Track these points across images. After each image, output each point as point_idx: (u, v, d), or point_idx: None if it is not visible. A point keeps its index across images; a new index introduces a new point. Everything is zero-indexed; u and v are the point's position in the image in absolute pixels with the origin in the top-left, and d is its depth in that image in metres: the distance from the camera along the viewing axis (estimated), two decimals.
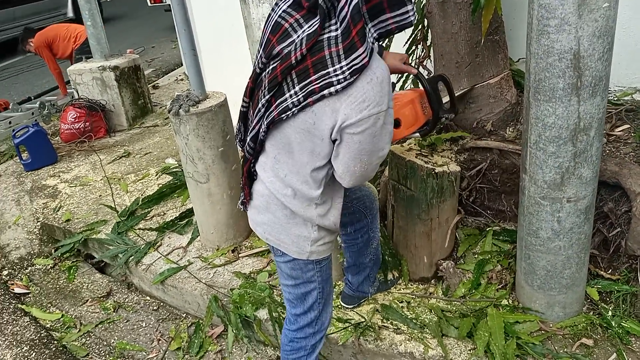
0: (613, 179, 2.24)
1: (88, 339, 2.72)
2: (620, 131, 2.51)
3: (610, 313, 2.13)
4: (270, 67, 1.39)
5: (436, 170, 2.20)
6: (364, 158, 1.41)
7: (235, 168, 2.84)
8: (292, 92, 1.35)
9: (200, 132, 2.61)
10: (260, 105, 1.44)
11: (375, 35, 1.31)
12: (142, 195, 3.65)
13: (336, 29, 1.28)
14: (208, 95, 2.72)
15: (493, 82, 2.45)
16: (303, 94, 1.33)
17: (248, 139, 1.55)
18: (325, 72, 1.30)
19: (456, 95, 2.39)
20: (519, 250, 2.16)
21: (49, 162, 4.40)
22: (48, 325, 2.84)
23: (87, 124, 4.73)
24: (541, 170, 1.86)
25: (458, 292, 2.35)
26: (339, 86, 1.29)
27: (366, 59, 1.28)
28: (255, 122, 1.49)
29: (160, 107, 5.48)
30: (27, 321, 2.86)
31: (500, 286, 2.35)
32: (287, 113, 1.37)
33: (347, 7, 1.25)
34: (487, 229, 2.60)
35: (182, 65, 6.79)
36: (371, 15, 1.28)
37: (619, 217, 2.26)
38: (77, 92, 4.99)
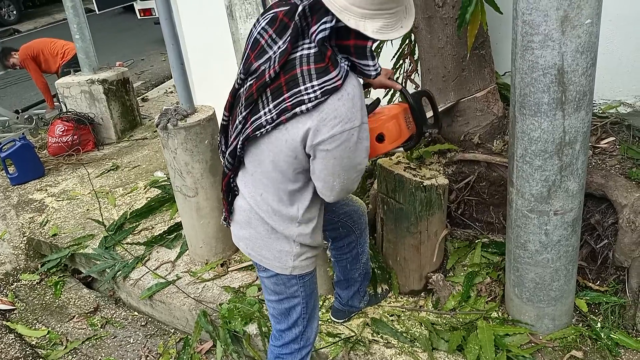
0: (599, 191, 2.27)
1: (74, 356, 2.68)
2: (605, 144, 2.54)
3: (599, 325, 2.14)
4: (247, 84, 1.42)
5: (424, 184, 2.21)
6: (341, 173, 1.42)
7: None
8: (267, 109, 1.37)
9: (189, 145, 2.60)
10: (237, 121, 1.46)
11: (348, 63, 1.34)
12: (130, 209, 3.63)
13: (309, 48, 1.31)
14: (196, 109, 2.72)
15: (480, 96, 2.47)
16: (277, 111, 1.35)
17: (227, 153, 1.56)
18: (297, 89, 1.32)
19: (443, 108, 2.42)
20: (508, 263, 2.17)
21: (36, 175, 4.36)
22: (34, 342, 2.79)
23: (75, 137, 4.70)
24: (528, 183, 1.88)
25: (448, 304, 2.35)
26: (309, 104, 1.31)
27: (339, 82, 1.30)
28: (233, 137, 1.51)
29: (150, 120, 5.46)
30: (12, 338, 2.81)
31: (489, 298, 2.35)
32: (261, 130, 1.39)
33: (314, 34, 1.29)
34: (476, 241, 2.61)
35: (171, 77, 6.78)
36: (340, 49, 1.32)
37: (606, 228, 2.27)
38: (65, 105, 4.96)
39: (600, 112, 2.76)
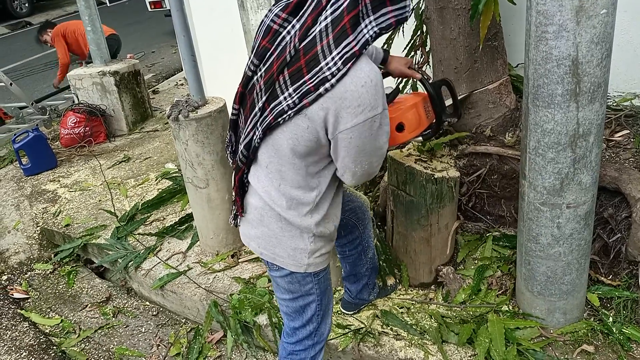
0: (613, 184, 2.24)
1: (87, 344, 2.71)
2: (619, 137, 2.51)
3: (611, 319, 2.12)
4: (264, 68, 1.38)
5: (435, 176, 2.20)
6: (363, 159, 1.40)
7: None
8: (286, 94, 1.33)
9: (200, 137, 2.61)
10: (256, 109, 1.41)
11: (376, 29, 1.28)
12: (141, 200, 3.65)
13: (325, 18, 1.27)
14: (207, 100, 2.73)
15: (492, 88, 2.45)
16: (298, 95, 1.31)
17: (241, 147, 1.51)
18: (318, 68, 1.28)
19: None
20: (519, 256, 2.16)
21: (49, 167, 4.40)
22: (47, 331, 2.84)
23: (87, 128, 4.74)
24: (540, 176, 1.86)
25: (458, 297, 2.35)
26: (333, 80, 1.26)
27: (356, 48, 1.26)
28: (249, 128, 1.46)
29: (160, 112, 5.48)
30: (26, 326, 2.86)
31: (500, 292, 2.35)
32: (284, 116, 1.34)
33: None
34: (487, 235, 2.60)
35: (182, 70, 6.80)
36: (373, 7, 1.25)
37: (619, 222, 2.25)
38: (77, 97, 4.99)
39: (615, 104, 2.72)
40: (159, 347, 2.64)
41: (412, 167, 2.22)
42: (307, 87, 1.29)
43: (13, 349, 2.70)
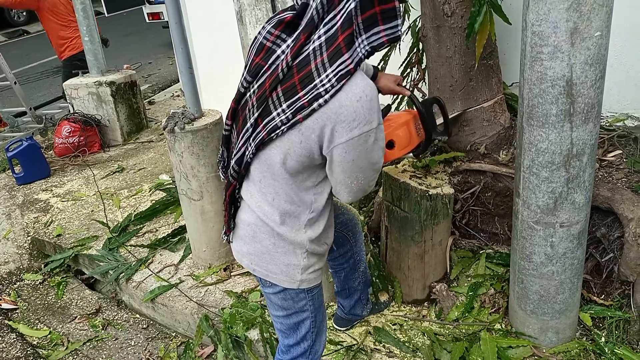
0: (606, 204, 2.25)
1: (75, 357, 2.67)
2: (612, 157, 2.53)
3: (603, 339, 2.12)
4: (257, 85, 1.39)
5: (430, 192, 2.20)
6: (359, 175, 1.40)
7: None
8: (280, 109, 1.33)
9: (195, 149, 2.61)
10: (248, 125, 1.42)
11: (368, 48, 1.30)
12: (134, 211, 3.63)
13: (319, 37, 1.28)
14: (204, 113, 2.73)
15: (487, 106, 2.47)
16: (291, 110, 1.31)
17: (232, 162, 1.51)
18: (312, 85, 1.29)
19: (450, 117, 2.41)
20: (512, 274, 2.15)
21: (42, 176, 4.38)
22: (35, 342, 2.79)
23: (82, 138, 4.72)
24: (534, 194, 1.87)
25: (451, 315, 2.34)
26: (327, 95, 1.27)
27: (351, 66, 1.27)
28: (241, 143, 1.46)
29: (156, 123, 5.48)
30: (13, 338, 2.81)
31: (493, 310, 2.34)
32: (277, 132, 1.34)
33: (339, 14, 1.25)
34: (481, 252, 2.60)
35: (178, 81, 6.82)
36: (366, 26, 1.27)
37: (611, 242, 2.26)
38: (72, 106, 4.98)
39: (608, 125, 2.75)
40: None
41: (406, 183, 2.23)
42: (301, 103, 1.30)
43: None
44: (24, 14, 13.54)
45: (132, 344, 2.74)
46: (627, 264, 2.16)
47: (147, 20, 9.51)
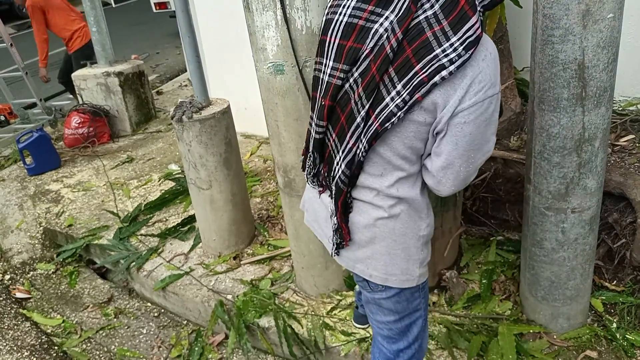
0: (618, 189, 2.23)
1: (88, 344, 2.71)
2: (625, 141, 2.50)
3: (614, 325, 2.11)
4: (359, 72, 1.17)
5: None
6: (471, 154, 1.18)
7: (237, 174, 2.83)
8: (394, 93, 1.12)
9: (203, 138, 2.61)
10: (358, 120, 1.20)
11: (480, 8, 1.11)
12: (144, 201, 3.65)
13: (431, 6, 1.08)
14: (211, 101, 2.73)
15: None
16: (408, 90, 1.10)
17: (342, 167, 1.28)
18: (432, 55, 1.08)
19: None
20: (523, 261, 2.14)
21: (53, 167, 4.41)
22: (49, 331, 2.83)
23: (91, 129, 4.74)
24: (545, 180, 1.85)
25: (461, 302, 2.33)
26: (452, 67, 1.06)
27: (479, 30, 1.07)
28: (351, 143, 1.24)
29: (164, 113, 5.49)
30: (28, 326, 2.86)
31: (504, 297, 2.33)
32: (392, 120, 1.14)
33: None
34: (491, 239, 2.58)
35: (186, 71, 6.81)
36: None
37: (623, 228, 2.24)
38: (81, 97, 5.01)
39: (620, 109, 2.71)
40: (160, 349, 2.63)
41: None
42: (420, 79, 1.09)
43: (15, 348, 2.69)
44: None
45: (144, 332, 2.77)
46: (639, 250, 2.14)
47: (154, 10, 9.51)
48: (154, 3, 9.37)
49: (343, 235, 1.38)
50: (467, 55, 1.06)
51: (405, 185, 1.29)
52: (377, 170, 1.28)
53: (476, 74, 1.09)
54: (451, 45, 1.07)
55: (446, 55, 1.07)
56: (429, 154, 1.25)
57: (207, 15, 4.09)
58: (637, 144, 2.46)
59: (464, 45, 1.06)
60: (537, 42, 1.69)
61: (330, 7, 1.27)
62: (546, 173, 1.84)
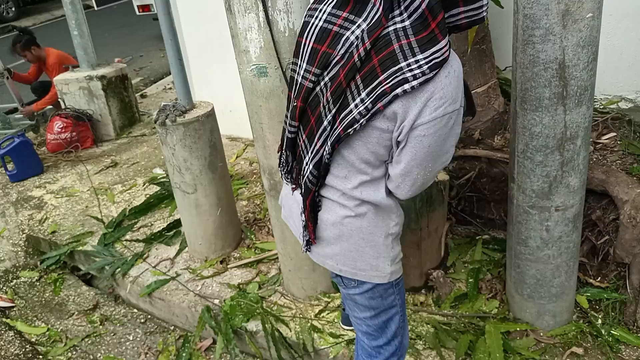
0: (600, 187, 2.26)
1: (74, 353, 2.67)
2: (606, 139, 2.53)
3: (600, 321, 2.13)
4: (329, 77, 1.22)
5: None
6: (429, 164, 1.24)
7: (222, 178, 2.81)
8: (358, 100, 1.17)
9: (187, 142, 2.59)
10: (325, 123, 1.25)
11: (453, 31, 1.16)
12: (129, 206, 3.61)
13: (402, 21, 1.10)
14: (195, 104, 2.71)
15: (480, 91, 2.45)
16: (371, 99, 1.14)
17: (310, 167, 1.33)
18: (396, 67, 1.11)
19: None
20: (509, 259, 2.16)
21: (35, 172, 4.34)
22: (33, 340, 2.79)
23: (74, 134, 4.68)
24: (529, 179, 1.87)
25: (448, 301, 2.34)
26: (415, 82, 1.10)
27: (447, 53, 1.11)
28: (318, 145, 1.29)
29: (148, 117, 5.44)
30: (11, 335, 2.81)
31: (490, 295, 2.34)
32: (354, 126, 1.18)
33: None
34: (477, 238, 2.60)
35: (170, 74, 6.75)
36: (444, 7, 1.11)
37: (607, 225, 2.27)
38: (63, 101, 4.94)
39: (602, 107, 2.75)
40: (147, 355, 2.60)
41: None
42: (383, 89, 1.13)
43: None
44: (13, 9, 13.40)
45: (131, 338, 2.74)
46: (623, 246, 2.16)
47: (138, 13, 9.41)
48: (137, 6, 9.27)
49: (309, 233, 1.43)
50: (431, 75, 1.10)
51: (369, 189, 1.34)
52: (341, 172, 1.33)
53: (438, 90, 1.12)
54: (417, 61, 1.10)
55: (410, 70, 1.10)
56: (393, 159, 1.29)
57: (190, 17, 4.06)
58: (619, 142, 2.49)
59: (430, 65, 1.10)
60: (518, 42, 1.70)
61: (308, 9, 1.30)
62: (529, 172, 1.85)
